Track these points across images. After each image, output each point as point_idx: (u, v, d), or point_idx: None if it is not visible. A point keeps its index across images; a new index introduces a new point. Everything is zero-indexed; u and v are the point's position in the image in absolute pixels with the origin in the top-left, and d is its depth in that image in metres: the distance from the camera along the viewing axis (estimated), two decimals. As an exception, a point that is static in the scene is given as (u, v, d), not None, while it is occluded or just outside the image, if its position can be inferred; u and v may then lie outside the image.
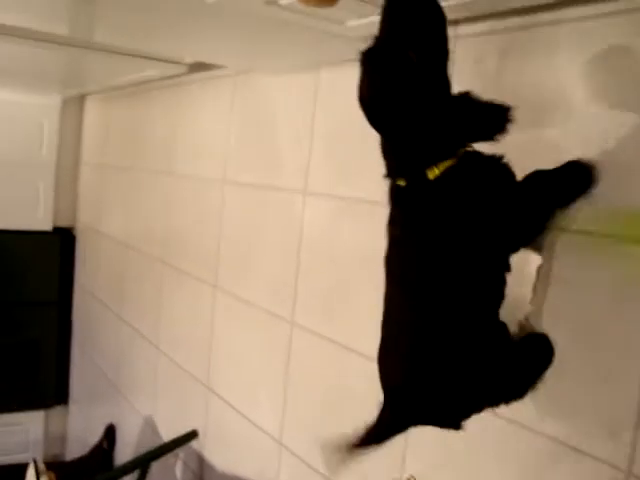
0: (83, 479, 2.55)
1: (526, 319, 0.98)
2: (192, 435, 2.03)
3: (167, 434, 2.22)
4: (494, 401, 0.92)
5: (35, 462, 1.99)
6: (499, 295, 0.88)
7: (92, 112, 3.20)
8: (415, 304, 0.86)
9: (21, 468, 3.08)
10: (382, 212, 1.31)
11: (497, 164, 0.84)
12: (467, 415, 0.90)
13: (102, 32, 1.51)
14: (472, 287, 0.85)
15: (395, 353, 0.90)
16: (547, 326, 0.96)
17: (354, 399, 1.37)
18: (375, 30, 0.82)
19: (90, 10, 1.23)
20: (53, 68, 2.27)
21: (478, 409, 0.91)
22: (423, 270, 0.85)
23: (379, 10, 0.97)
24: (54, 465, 2.36)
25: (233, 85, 1.87)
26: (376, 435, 0.92)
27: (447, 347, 0.85)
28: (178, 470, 2.13)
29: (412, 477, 1.21)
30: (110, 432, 2.74)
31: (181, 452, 2.10)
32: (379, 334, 0.93)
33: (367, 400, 1.32)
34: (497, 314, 0.89)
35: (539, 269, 0.98)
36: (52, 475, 1.92)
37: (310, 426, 1.52)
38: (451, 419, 0.90)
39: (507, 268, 0.88)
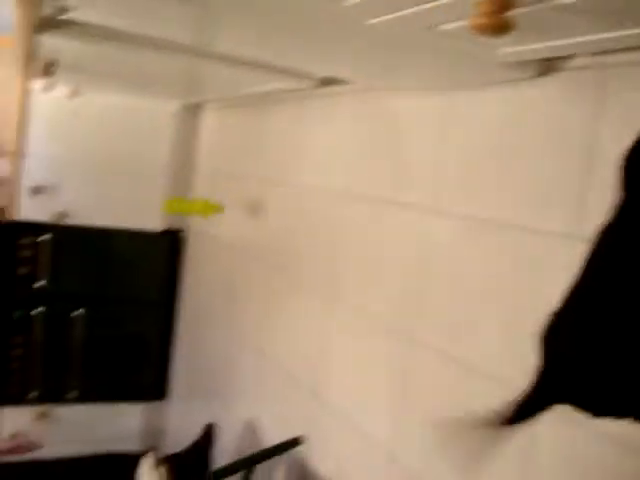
0: (182, 474, 2.63)
1: None
2: (297, 441, 2.06)
3: (270, 439, 2.27)
4: None
5: (151, 454, 2.07)
6: None
7: (209, 120, 3.32)
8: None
9: (121, 457, 3.22)
10: (510, 233, 1.32)
11: None
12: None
13: (238, 45, 1.57)
14: None
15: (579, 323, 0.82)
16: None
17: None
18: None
19: (230, 24, 1.28)
20: (177, 76, 2.37)
21: None
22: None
23: (536, 37, 0.98)
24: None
25: (358, 100, 1.91)
26: (527, 406, 0.86)
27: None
28: (281, 476, 2.17)
29: None
30: (210, 431, 2.82)
31: (284, 458, 2.14)
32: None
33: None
34: None
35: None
36: (166, 467, 1.99)
37: (423, 440, 1.52)
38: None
39: None
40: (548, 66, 1.27)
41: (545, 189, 1.26)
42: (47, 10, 1.28)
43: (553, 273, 1.22)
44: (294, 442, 2.07)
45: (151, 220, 3.35)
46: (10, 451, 2.41)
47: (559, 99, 1.25)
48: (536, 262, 1.25)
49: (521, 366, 1.26)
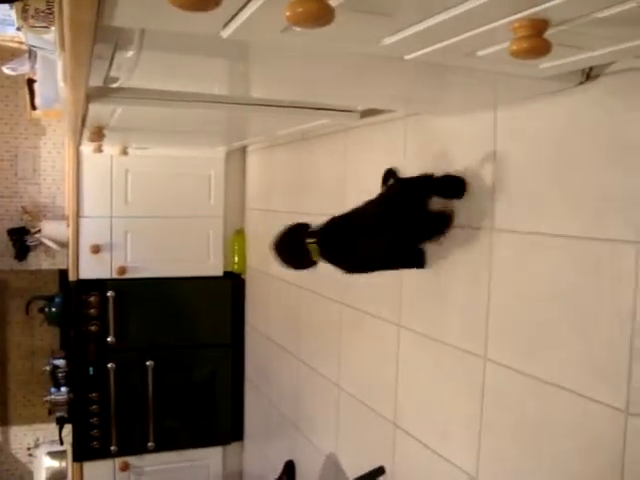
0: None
1: None
2: (379, 472, 2.05)
3: (351, 471, 2.26)
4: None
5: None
6: None
7: (255, 160, 3.39)
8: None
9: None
10: (571, 245, 1.30)
11: None
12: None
13: (282, 92, 1.62)
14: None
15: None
16: None
17: (556, 435, 1.35)
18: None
19: (273, 73, 1.32)
20: (220, 125, 2.43)
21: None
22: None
23: (575, 50, 0.98)
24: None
25: (404, 127, 1.93)
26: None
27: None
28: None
29: None
30: (290, 468, 2.83)
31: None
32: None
33: (571, 436, 1.31)
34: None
35: None
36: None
37: (508, 463, 1.50)
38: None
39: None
40: (590, 72, 1.26)
41: (598, 195, 1.25)
42: (94, 82, 1.33)
43: (619, 280, 1.20)
44: (376, 473, 2.06)
45: (208, 265, 3.41)
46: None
47: (604, 104, 1.24)
48: (602, 271, 1.24)
49: (600, 376, 1.24)
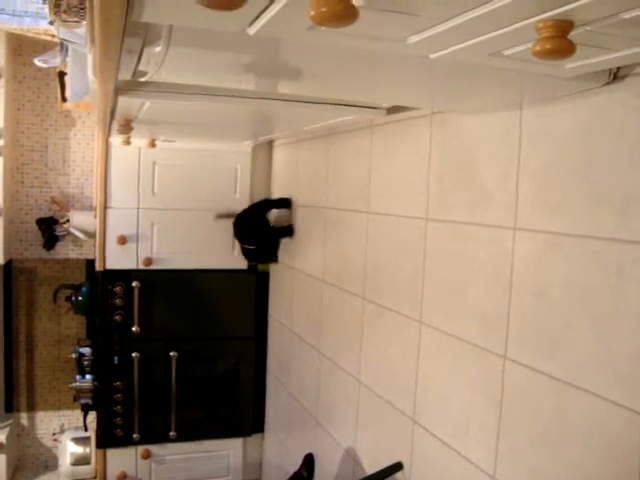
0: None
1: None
2: (397, 467, 2.06)
3: (369, 466, 2.28)
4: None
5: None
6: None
7: (281, 155, 3.40)
8: None
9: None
10: (593, 245, 1.30)
11: None
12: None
13: (310, 88, 1.62)
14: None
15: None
16: None
17: (574, 436, 1.35)
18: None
19: (302, 70, 1.33)
20: (248, 120, 2.45)
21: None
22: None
23: (601, 51, 0.98)
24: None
25: (429, 124, 1.93)
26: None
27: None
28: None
29: None
30: (309, 461, 2.84)
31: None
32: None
33: (589, 438, 1.30)
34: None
35: None
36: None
37: (525, 461, 1.50)
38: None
39: None
40: (616, 73, 1.26)
41: (623, 196, 1.24)
42: (123, 76, 1.36)
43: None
44: (394, 468, 2.07)
45: (233, 258, 3.44)
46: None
47: (630, 104, 1.23)
48: (624, 273, 1.23)
49: (620, 378, 1.24)
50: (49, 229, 3.66)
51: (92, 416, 3.49)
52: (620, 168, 1.25)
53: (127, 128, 2.29)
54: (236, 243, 3.41)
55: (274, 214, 3.26)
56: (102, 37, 0.93)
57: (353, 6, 0.64)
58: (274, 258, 3.35)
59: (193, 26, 0.93)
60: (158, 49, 1.11)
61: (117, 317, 3.27)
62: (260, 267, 3.48)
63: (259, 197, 3.47)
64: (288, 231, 3.16)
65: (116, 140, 3.08)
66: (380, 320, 2.22)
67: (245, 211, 3.29)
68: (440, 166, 1.88)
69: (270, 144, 3.53)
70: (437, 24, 0.86)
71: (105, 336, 3.29)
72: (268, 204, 3.29)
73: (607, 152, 1.28)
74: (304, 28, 0.86)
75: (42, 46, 3.47)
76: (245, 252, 3.31)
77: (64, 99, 3.31)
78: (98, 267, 3.27)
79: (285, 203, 3.20)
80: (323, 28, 0.83)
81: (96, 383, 3.33)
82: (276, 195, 3.42)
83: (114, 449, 3.39)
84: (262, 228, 3.22)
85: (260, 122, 2.54)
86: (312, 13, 0.64)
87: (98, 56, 1.07)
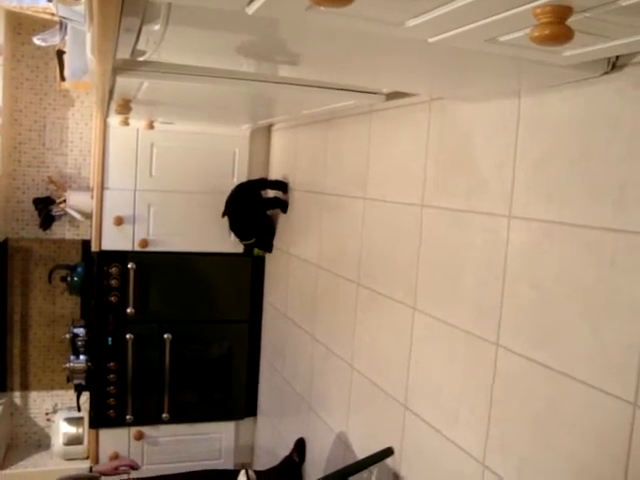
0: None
1: None
2: (388, 452, 2.08)
3: (360, 451, 2.29)
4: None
5: (247, 470, 2.13)
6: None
7: (279, 139, 3.40)
8: None
9: (217, 474, 3.30)
10: (588, 235, 1.30)
11: None
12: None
13: (309, 71, 1.62)
14: None
15: None
16: None
17: (566, 425, 1.36)
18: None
19: (301, 52, 1.33)
20: (246, 102, 2.44)
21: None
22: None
23: (599, 39, 0.98)
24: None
25: (428, 111, 1.93)
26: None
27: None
28: (373, 486, 2.19)
29: None
30: (301, 445, 2.86)
31: (375, 469, 2.16)
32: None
33: (579, 426, 1.31)
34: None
35: None
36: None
37: (516, 449, 1.51)
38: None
39: None
40: (615, 62, 1.26)
41: (618, 186, 1.24)
42: (122, 55, 1.35)
43: (635, 273, 1.20)
44: (385, 453, 2.08)
45: (229, 242, 3.44)
46: (113, 472, 2.52)
47: (628, 94, 1.23)
48: (618, 263, 1.24)
49: (611, 368, 1.25)
50: (46, 209, 3.65)
51: (85, 396, 3.50)
52: (616, 158, 1.25)
53: (125, 108, 2.28)
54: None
55: (269, 194, 3.30)
56: (100, 15, 0.93)
57: (351, -15, 0.64)
58: (267, 244, 3.39)
59: (192, 4, 0.93)
60: (156, 27, 1.11)
61: (112, 298, 3.27)
62: (256, 252, 3.48)
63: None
64: (281, 204, 3.18)
65: (114, 121, 3.07)
66: (374, 306, 2.23)
67: (241, 184, 3.29)
68: (437, 153, 1.88)
69: (269, 128, 3.52)
70: (435, 8, 0.86)
71: (100, 317, 3.29)
72: (265, 183, 3.30)
73: (603, 142, 1.28)
74: (303, 8, 0.86)
75: (41, 24, 3.45)
76: (234, 227, 3.30)
77: (63, 78, 3.30)
78: (94, 248, 3.27)
79: (282, 186, 3.20)
80: (322, 8, 0.82)
81: (90, 364, 3.34)
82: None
83: (107, 430, 3.40)
84: (255, 201, 3.22)
85: (259, 105, 2.54)
86: (310, -8, 0.64)
87: (96, 34, 1.07)
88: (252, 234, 3.28)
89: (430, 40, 1.02)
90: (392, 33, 0.98)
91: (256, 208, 3.24)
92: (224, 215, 3.24)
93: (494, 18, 0.87)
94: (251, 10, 0.89)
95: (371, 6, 0.85)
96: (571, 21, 0.81)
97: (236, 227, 3.28)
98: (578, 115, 1.36)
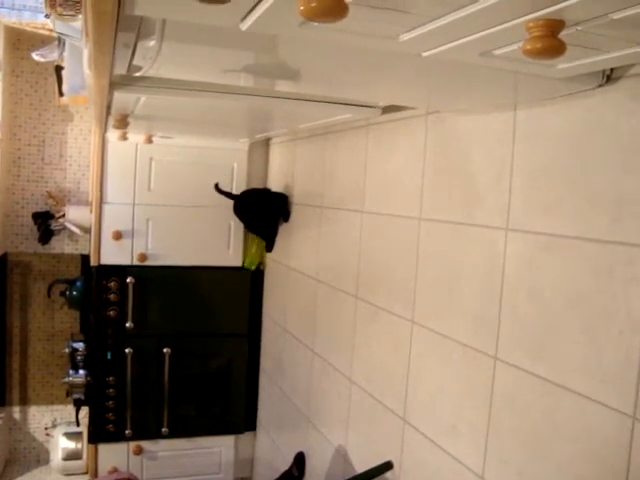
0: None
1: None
2: (387, 466, 2.07)
3: (359, 465, 2.28)
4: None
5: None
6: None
7: (278, 153, 3.40)
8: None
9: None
10: (585, 247, 1.30)
11: None
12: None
13: (305, 86, 1.63)
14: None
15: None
16: None
17: (563, 437, 1.35)
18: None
19: (297, 68, 1.33)
20: (243, 117, 2.45)
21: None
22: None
23: (592, 52, 0.98)
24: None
25: (424, 124, 1.93)
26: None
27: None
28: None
29: None
30: (300, 459, 2.85)
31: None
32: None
33: (578, 439, 1.31)
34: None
35: None
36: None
37: (514, 462, 1.51)
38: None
39: None
40: (610, 74, 1.26)
41: (615, 198, 1.24)
42: (119, 70, 1.36)
43: (632, 285, 1.20)
44: (384, 467, 2.07)
45: (228, 255, 3.44)
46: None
47: (623, 107, 1.24)
48: (615, 275, 1.24)
49: (609, 380, 1.24)
50: (45, 223, 3.66)
51: (84, 411, 3.49)
52: (613, 170, 1.25)
53: (123, 123, 2.29)
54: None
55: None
56: (95, 30, 0.94)
57: (342, 1, 0.65)
58: (269, 243, 3.35)
59: (186, 20, 0.93)
60: (152, 43, 1.11)
61: (111, 312, 3.26)
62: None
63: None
64: (284, 212, 3.18)
65: (113, 135, 3.08)
66: (373, 319, 2.22)
67: (246, 190, 3.35)
68: (434, 166, 1.88)
69: (267, 142, 3.53)
70: (428, 22, 0.86)
71: (99, 331, 3.28)
72: (268, 194, 3.31)
73: (600, 154, 1.29)
74: (296, 24, 0.87)
75: (40, 40, 3.47)
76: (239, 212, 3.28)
77: (61, 93, 3.31)
78: (93, 262, 3.27)
79: (283, 198, 3.19)
80: (315, 24, 0.83)
81: (89, 378, 3.33)
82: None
83: (106, 444, 3.39)
84: (262, 200, 3.26)
85: (256, 119, 2.54)
86: (301, 8, 0.65)
87: (92, 49, 1.07)
88: (258, 228, 3.33)
89: (424, 54, 1.03)
90: (386, 48, 0.99)
91: (263, 206, 3.24)
92: (234, 198, 3.25)
93: (487, 32, 0.87)
94: (245, 26, 0.89)
95: (364, 21, 0.85)
96: (563, 34, 0.81)
97: (244, 214, 3.29)
98: (574, 127, 1.36)
